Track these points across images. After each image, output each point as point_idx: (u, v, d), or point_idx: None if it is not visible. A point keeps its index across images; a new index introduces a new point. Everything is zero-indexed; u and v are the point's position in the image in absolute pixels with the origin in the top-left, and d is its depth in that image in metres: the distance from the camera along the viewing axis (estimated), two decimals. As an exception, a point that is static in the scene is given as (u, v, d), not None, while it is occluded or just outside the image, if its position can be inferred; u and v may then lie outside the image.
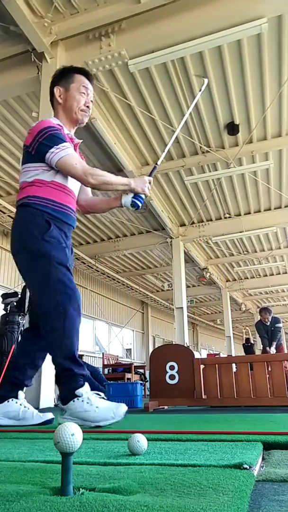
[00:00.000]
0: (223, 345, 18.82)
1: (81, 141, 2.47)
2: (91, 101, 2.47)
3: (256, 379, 3.60)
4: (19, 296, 5.62)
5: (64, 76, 2.41)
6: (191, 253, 10.98)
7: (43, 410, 3.68)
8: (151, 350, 12.32)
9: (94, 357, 12.63)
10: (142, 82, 5.54)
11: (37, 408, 3.76)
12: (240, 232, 9.43)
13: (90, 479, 0.83)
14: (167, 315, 18.14)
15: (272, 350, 7.76)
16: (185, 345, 8.54)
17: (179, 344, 8.09)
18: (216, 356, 14.48)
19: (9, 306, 5.60)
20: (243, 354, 13.35)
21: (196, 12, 4.38)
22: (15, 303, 5.60)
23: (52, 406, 3.97)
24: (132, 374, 7.81)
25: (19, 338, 5.35)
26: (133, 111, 6.12)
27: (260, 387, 3.56)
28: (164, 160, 7.31)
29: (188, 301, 12.02)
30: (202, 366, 3.79)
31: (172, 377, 3.77)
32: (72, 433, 0.71)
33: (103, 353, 9.37)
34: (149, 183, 2.36)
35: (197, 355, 4.10)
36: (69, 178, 2.24)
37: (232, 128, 6.41)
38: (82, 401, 1.98)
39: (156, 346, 13.90)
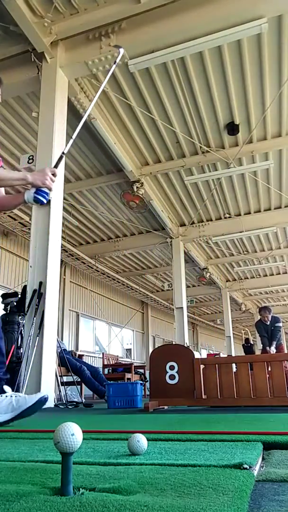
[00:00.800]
0: (223, 345, 18.82)
1: None
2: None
3: (256, 379, 3.59)
4: (19, 296, 5.62)
5: None
6: (191, 253, 10.98)
7: (43, 410, 3.69)
8: (151, 350, 12.32)
9: (94, 357, 12.63)
10: (142, 82, 5.54)
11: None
12: (240, 232, 9.43)
13: (90, 479, 0.83)
14: (167, 315, 18.14)
15: (272, 349, 7.76)
16: (185, 345, 8.54)
17: (179, 344, 8.09)
18: (216, 356, 14.48)
19: (9, 306, 5.60)
20: (243, 354, 13.34)
21: (196, 12, 4.38)
22: (15, 303, 5.60)
23: (52, 406, 3.97)
24: (132, 374, 7.80)
25: (19, 338, 5.35)
26: (133, 111, 6.12)
27: (260, 387, 3.56)
28: (164, 160, 7.31)
29: (188, 301, 12.02)
30: (202, 366, 3.79)
31: (172, 377, 3.77)
32: (72, 433, 0.71)
33: (103, 353, 9.36)
34: (53, 175, 2.17)
35: (197, 355, 4.10)
36: None
37: (232, 128, 6.41)
38: None
39: (156, 346, 13.90)
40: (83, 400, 5.08)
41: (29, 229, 5.47)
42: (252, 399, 3.56)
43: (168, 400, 3.76)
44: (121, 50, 2.95)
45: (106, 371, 8.08)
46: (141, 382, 4.53)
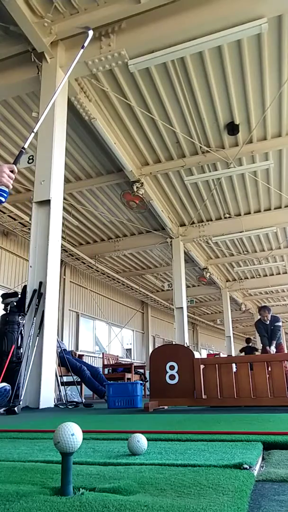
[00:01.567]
0: (223, 345, 18.82)
1: None
2: None
3: (256, 379, 3.59)
4: (19, 296, 5.62)
5: None
6: (191, 253, 10.98)
7: (43, 410, 3.69)
8: (151, 350, 12.33)
9: (94, 357, 12.63)
10: (142, 82, 5.54)
11: (37, 408, 3.76)
12: (240, 232, 9.43)
13: (90, 479, 0.83)
14: (167, 315, 18.15)
15: (272, 349, 7.76)
16: (185, 345, 8.54)
17: (179, 344, 8.09)
18: (216, 356, 14.48)
19: (9, 306, 5.60)
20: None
21: (196, 12, 4.38)
22: (15, 303, 5.59)
23: (52, 406, 3.97)
24: (132, 374, 7.80)
25: (19, 338, 5.35)
26: (133, 111, 6.12)
27: (260, 387, 3.56)
28: (164, 160, 7.31)
29: (188, 301, 12.02)
30: (202, 366, 3.79)
31: (172, 377, 3.77)
32: (72, 433, 0.71)
33: (103, 353, 9.36)
34: (12, 171, 1.97)
35: (197, 355, 4.10)
36: None
37: (232, 128, 6.41)
38: None
39: (156, 346, 13.90)
40: (83, 400, 5.08)
41: (29, 229, 5.47)
42: (252, 399, 3.56)
43: (168, 400, 3.77)
44: (90, 33, 2.51)
45: (106, 371, 8.08)
46: (141, 382, 4.53)
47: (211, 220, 9.74)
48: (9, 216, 8.49)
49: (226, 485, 0.76)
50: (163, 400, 3.74)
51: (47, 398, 3.90)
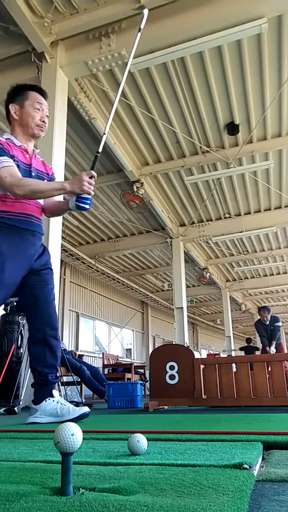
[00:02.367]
0: (223, 345, 18.82)
1: (38, 151, 2.59)
2: (47, 116, 2.54)
3: (256, 379, 3.60)
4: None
5: (18, 93, 2.49)
6: (191, 253, 10.98)
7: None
8: (151, 350, 12.32)
9: (94, 357, 12.63)
10: (142, 82, 5.54)
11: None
12: (240, 232, 9.43)
13: (90, 479, 0.83)
14: (167, 315, 18.14)
15: (272, 349, 7.77)
16: (185, 345, 8.54)
17: (179, 344, 8.09)
18: (216, 356, 14.48)
19: (9, 306, 5.60)
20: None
21: (196, 12, 4.37)
22: (15, 303, 5.59)
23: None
24: (132, 374, 7.80)
25: (19, 338, 5.35)
26: (133, 111, 6.12)
27: (260, 387, 3.56)
28: (164, 160, 7.31)
29: (188, 301, 12.02)
30: (202, 366, 3.79)
31: (172, 377, 3.77)
32: (72, 433, 0.71)
33: (103, 353, 9.36)
34: (92, 177, 2.15)
35: (197, 355, 4.10)
36: None
37: (232, 128, 6.41)
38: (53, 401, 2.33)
39: (156, 346, 13.90)
40: (83, 400, 5.08)
41: (29, 229, 5.46)
42: (252, 399, 3.56)
43: (168, 400, 3.77)
44: (145, 12, 2.53)
45: (106, 371, 8.09)
46: (141, 382, 4.53)
47: (211, 220, 9.74)
48: (9, 216, 8.47)
49: (226, 485, 0.76)
50: (163, 400, 3.75)
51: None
